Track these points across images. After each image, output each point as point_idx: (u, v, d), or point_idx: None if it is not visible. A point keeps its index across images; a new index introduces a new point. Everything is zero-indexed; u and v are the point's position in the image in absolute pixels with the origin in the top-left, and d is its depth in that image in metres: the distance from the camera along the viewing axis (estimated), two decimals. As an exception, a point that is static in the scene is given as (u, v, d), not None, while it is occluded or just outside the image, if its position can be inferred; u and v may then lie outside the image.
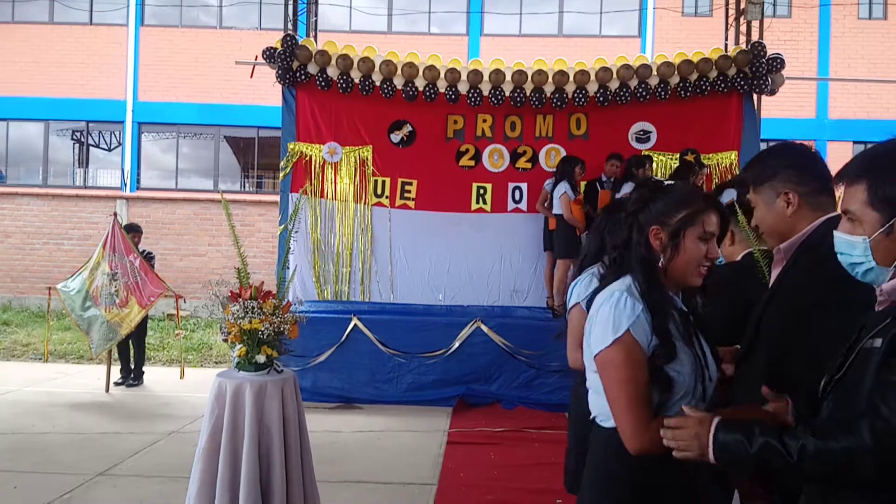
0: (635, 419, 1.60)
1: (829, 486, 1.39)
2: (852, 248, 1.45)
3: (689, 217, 1.70)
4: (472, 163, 7.67)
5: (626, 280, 1.72)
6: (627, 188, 6.87)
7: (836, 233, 1.49)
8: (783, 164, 1.98)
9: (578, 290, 2.65)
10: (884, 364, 1.30)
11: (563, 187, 6.87)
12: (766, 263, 2.42)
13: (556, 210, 6.94)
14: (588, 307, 2.20)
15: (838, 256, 1.49)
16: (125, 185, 14.12)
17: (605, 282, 1.79)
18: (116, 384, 7.17)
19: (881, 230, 1.38)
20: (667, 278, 1.72)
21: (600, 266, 2.59)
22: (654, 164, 7.41)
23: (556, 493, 4.24)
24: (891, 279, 1.41)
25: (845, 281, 1.52)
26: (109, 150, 14.72)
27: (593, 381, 1.72)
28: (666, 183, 1.80)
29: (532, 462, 4.89)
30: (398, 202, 7.64)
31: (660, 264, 1.71)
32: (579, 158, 7.08)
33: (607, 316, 1.65)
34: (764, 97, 7.59)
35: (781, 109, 11.90)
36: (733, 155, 7.47)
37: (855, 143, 13.67)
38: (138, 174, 14.33)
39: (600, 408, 1.71)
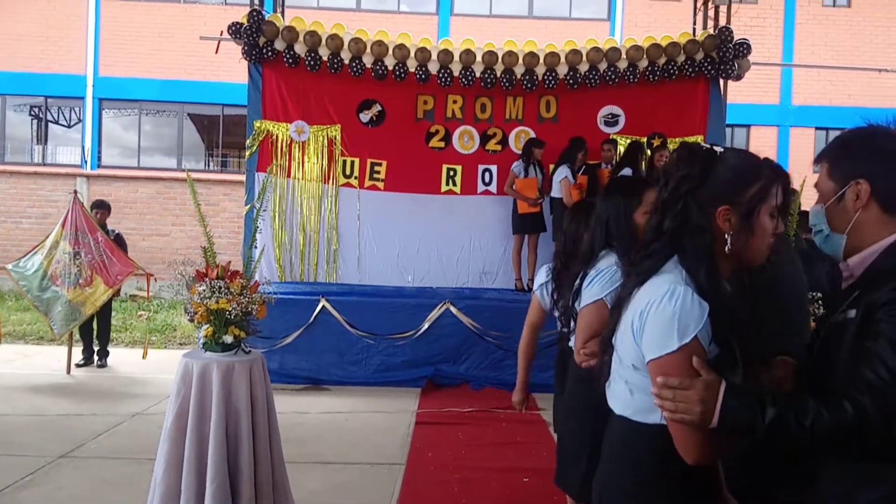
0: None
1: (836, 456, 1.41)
2: (815, 217, 1.57)
3: (761, 192, 1.47)
4: (442, 144, 7.65)
5: (680, 271, 1.46)
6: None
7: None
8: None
9: (600, 285, 2.33)
10: (861, 332, 1.34)
11: (564, 171, 6.91)
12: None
13: (556, 193, 6.97)
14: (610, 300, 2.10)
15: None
16: (85, 162, 13.77)
17: (640, 273, 1.52)
18: (78, 365, 7.04)
19: (834, 198, 1.50)
20: (727, 261, 1.50)
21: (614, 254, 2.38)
22: (619, 148, 7.47)
23: (524, 471, 4.29)
24: (855, 255, 1.49)
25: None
26: (69, 126, 14.32)
27: (637, 380, 1.51)
28: (716, 149, 1.55)
29: (500, 441, 4.93)
30: (367, 183, 7.59)
31: (726, 249, 1.47)
32: (583, 142, 7.10)
33: (671, 316, 1.40)
34: (730, 82, 7.69)
35: (746, 95, 12.07)
36: (699, 139, 7.55)
37: (817, 129, 13.95)
38: (99, 152, 13.98)
39: (641, 404, 1.52)
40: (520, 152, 7.36)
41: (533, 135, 7.48)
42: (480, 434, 5.10)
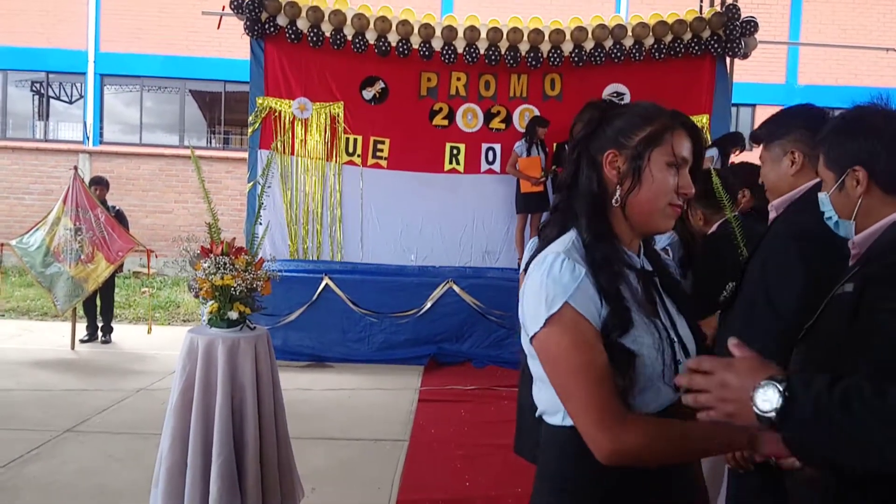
0: (601, 416, 1.18)
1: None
2: (823, 205, 1.56)
3: (654, 135, 1.29)
4: (445, 122, 7.60)
5: (569, 236, 1.31)
6: None
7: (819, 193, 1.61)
8: (797, 123, 2.01)
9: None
10: (857, 306, 1.32)
11: None
12: (740, 228, 2.44)
13: None
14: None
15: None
16: (87, 138, 13.71)
17: (543, 240, 1.37)
18: (83, 341, 7.07)
19: (834, 187, 1.50)
20: (626, 223, 1.32)
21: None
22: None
23: (526, 449, 4.32)
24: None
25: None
26: (70, 102, 14.24)
27: (536, 370, 1.32)
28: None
29: (501, 419, 4.95)
30: (370, 161, 7.56)
31: (614, 201, 1.30)
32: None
33: (539, 287, 1.24)
34: (736, 61, 7.61)
35: (752, 74, 11.95)
36: (704, 118, 7.50)
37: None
38: (101, 128, 13.91)
39: (547, 401, 1.31)
40: (524, 131, 7.32)
41: (537, 113, 7.43)
42: (483, 411, 5.13)
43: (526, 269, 2.30)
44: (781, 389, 1.04)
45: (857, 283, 1.35)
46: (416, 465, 4.05)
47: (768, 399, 1.04)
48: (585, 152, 1.34)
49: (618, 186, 1.30)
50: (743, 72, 9.64)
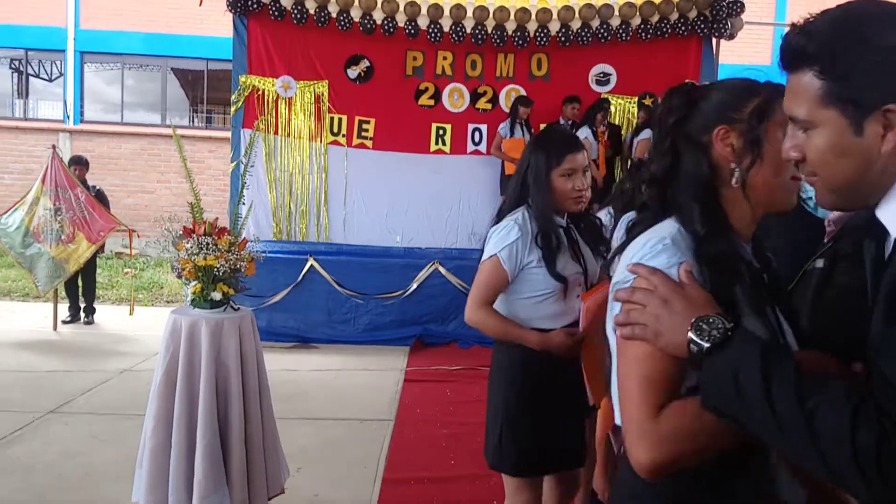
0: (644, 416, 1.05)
1: None
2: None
3: (764, 106, 1.14)
4: (431, 102, 7.55)
5: (669, 226, 1.15)
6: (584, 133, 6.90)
7: None
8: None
9: (497, 238, 2.27)
10: (826, 281, 1.31)
11: (585, 132, 6.86)
12: None
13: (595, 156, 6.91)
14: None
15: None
16: (67, 117, 13.50)
17: (632, 235, 1.21)
18: (65, 322, 7.01)
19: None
20: (744, 207, 1.16)
21: (525, 209, 2.30)
22: (613, 108, 7.43)
23: (511, 428, 4.35)
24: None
25: None
26: (50, 80, 13.99)
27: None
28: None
29: (486, 399, 4.98)
30: (355, 141, 7.50)
31: (734, 181, 1.14)
32: (607, 101, 7.05)
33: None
34: (721, 42, 7.60)
35: (738, 55, 11.95)
36: (690, 99, 7.50)
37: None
38: (81, 106, 13.69)
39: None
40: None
41: (524, 93, 7.40)
42: (468, 391, 5.16)
43: (501, 260, 2.29)
44: (726, 327, 0.97)
45: (828, 260, 1.33)
46: (402, 444, 4.07)
47: (708, 332, 0.97)
48: (684, 137, 1.19)
49: (733, 165, 1.14)
50: (729, 53, 9.62)
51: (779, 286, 1.21)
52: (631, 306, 1.06)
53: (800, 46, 0.96)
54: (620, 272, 1.15)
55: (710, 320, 0.98)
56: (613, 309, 1.14)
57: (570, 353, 2.18)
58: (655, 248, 1.10)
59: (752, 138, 1.13)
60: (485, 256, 2.32)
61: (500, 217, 2.38)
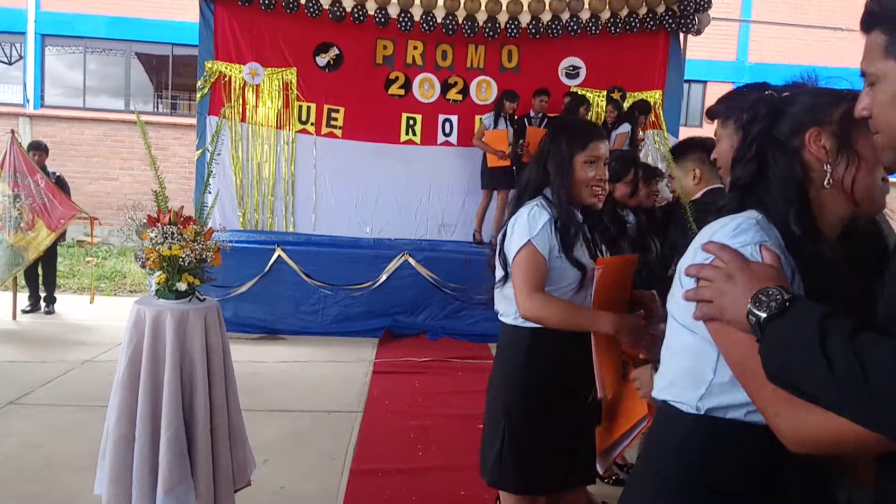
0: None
1: None
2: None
3: (852, 109, 1.11)
4: (401, 91, 7.51)
5: (752, 214, 1.17)
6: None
7: None
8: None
9: (525, 225, 2.14)
10: None
11: (626, 128, 6.83)
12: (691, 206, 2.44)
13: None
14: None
15: None
16: (27, 101, 13.13)
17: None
18: (25, 311, 6.85)
19: None
20: (834, 210, 1.18)
21: (541, 199, 2.21)
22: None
23: (479, 417, 4.33)
24: None
25: None
26: (10, 63, 13.60)
27: (683, 346, 1.21)
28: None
29: (455, 390, 5.00)
30: (324, 130, 7.44)
31: (826, 183, 1.15)
32: (585, 98, 7.03)
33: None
34: (689, 37, 7.69)
35: (704, 50, 12.11)
36: (657, 94, 7.59)
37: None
38: (42, 91, 13.34)
39: (675, 379, 1.22)
40: (481, 103, 7.29)
41: (494, 85, 7.40)
42: (436, 382, 5.17)
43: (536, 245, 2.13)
44: (784, 298, 0.98)
45: None
46: (370, 436, 4.06)
47: (767, 304, 0.99)
48: (772, 142, 1.20)
49: (827, 166, 1.15)
50: (696, 48, 9.75)
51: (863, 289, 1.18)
52: (702, 283, 1.09)
53: (872, 9, 1.03)
54: (691, 253, 1.18)
55: (770, 292, 1.00)
56: (682, 285, 1.17)
57: (639, 341, 2.03)
58: (741, 226, 1.12)
59: (846, 139, 1.15)
60: (514, 247, 2.14)
61: (515, 208, 2.25)
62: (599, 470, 2.31)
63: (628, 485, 1.34)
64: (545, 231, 2.12)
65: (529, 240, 2.12)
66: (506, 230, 2.22)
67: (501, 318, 2.29)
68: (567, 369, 2.15)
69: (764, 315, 0.99)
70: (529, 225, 2.13)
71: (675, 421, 1.19)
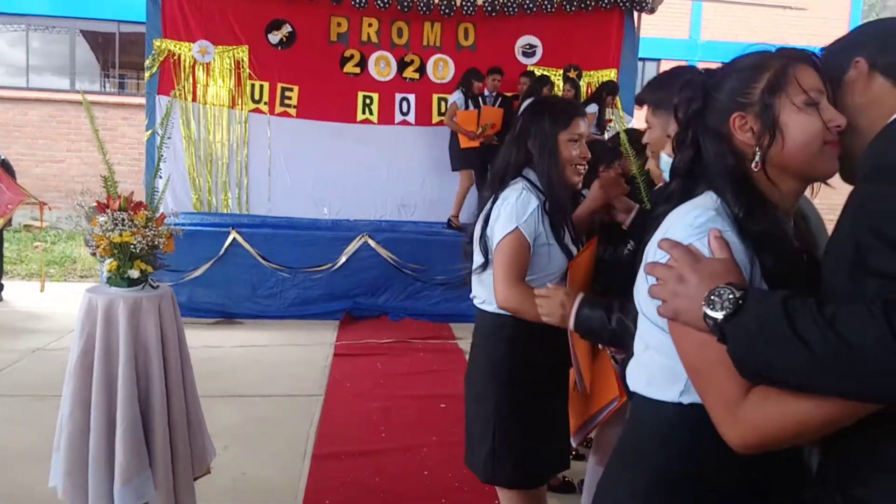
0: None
1: None
2: None
3: (774, 81, 1.15)
4: (357, 70, 7.40)
5: (710, 198, 1.16)
6: None
7: None
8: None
9: (512, 210, 2.05)
10: None
11: (593, 108, 6.77)
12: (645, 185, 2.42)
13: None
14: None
15: None
16: (-35, 81, 12.58)
17: (656, 223, 1.22)
18: (-32, 301, 6.61)
19: None
20: (778, 185, 1.17)
21: (523, 182, 2.12)
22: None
23: (441, 398, 4.39)
24: None
25: None
26: (-57, 40, 12.98)
27: (657, 341, 1.19)
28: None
29: (417, 370, 5.02)
30: (278, 109, 7.30)
31: (753, 165, 1.16)
32: (548, 78, 6.97)
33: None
34: (643, 16, 7.73)
35: (658, 29, 12.21)
36: (612, 73, 7.63)
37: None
38: (-19, 70, 12.78)
39: (653, 377, 1.21)
40: (438, 81, 7.24)
41: (452, 63, 7.35)
42: (398, 363, 5.17)
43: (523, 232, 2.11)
44: (736, 297, 0.97)
45: None
46: (332, 419, 4.05)
47: (720, 304, 0.97)
48: (703, 129, 1.20)
49: (756, 149, 1.15)
50: (649, 27, 9.82)
51: (816, 265, 1.14)
52: (659, 283, 1.08)
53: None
54: (653, 248, 1.17)
55: (720, 292, 0.98)
56: (645, 280, 1.16)
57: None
58: (699, 217, 1.11)
59: (766, 118, 1.14)
60: (500, 233, 2.04)
61: (498, 190, 2.14)
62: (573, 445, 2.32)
63: (606, 474, 1.31)
64: (533, 218, 2.03)
65: (517, 226, 2.02)
66: (488, 214, 2.12)
67: (480, 306, 2.19)
68: (550, 354, 2.09)
69: (720, 316, 0.97)
70: (518, 210, 2.03)
71: (657, 411, 1.18)
